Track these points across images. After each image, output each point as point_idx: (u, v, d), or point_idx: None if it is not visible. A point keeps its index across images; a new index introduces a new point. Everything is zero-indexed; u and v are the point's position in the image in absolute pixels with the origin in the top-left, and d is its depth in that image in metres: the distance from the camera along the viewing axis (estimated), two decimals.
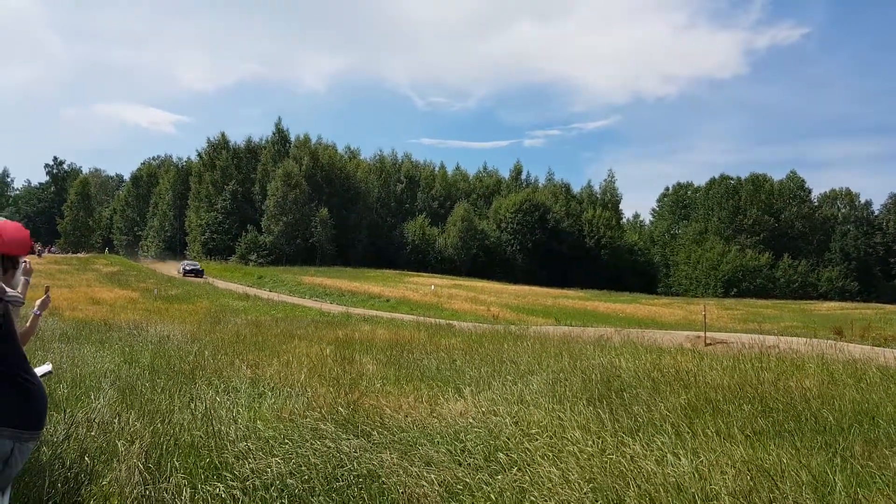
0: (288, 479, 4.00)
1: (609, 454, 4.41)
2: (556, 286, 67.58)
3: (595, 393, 6.59)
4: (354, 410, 5.74)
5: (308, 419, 5.40)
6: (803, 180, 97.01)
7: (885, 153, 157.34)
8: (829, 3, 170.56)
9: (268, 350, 10.62)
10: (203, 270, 56.90)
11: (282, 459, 4.29)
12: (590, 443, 4.67)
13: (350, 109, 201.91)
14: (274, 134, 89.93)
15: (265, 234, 77.65)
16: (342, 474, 4.13)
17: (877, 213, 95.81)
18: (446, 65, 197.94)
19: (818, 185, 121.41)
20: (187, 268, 56.15)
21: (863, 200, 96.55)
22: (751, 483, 3.78)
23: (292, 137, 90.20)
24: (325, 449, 4.53)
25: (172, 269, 61.41)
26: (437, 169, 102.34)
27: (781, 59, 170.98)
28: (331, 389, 6.79)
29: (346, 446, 4.60)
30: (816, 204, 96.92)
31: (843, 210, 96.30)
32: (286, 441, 4.72)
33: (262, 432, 4.95)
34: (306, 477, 4.06)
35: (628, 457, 4.32)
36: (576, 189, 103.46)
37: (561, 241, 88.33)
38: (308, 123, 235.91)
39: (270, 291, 44.23)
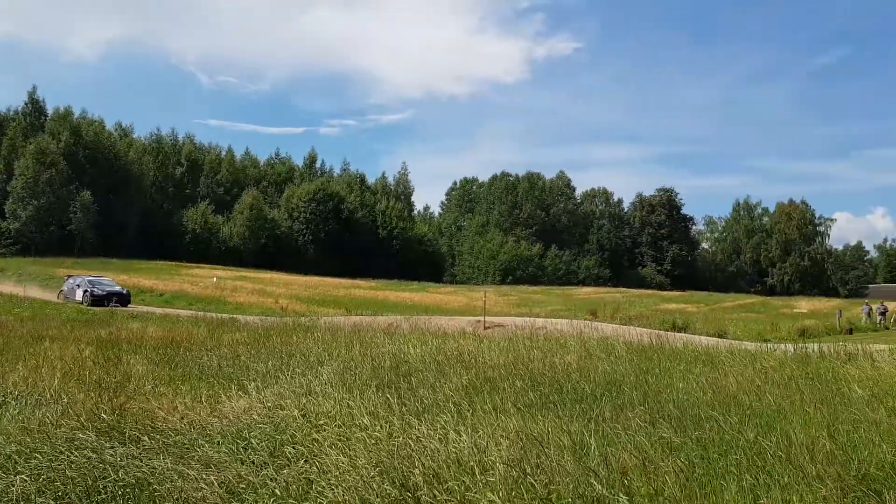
0: (37, 498, 3.52)
1: (396, 437, 4.58)
2: (349, 277, 67.64)
3: (385, 379, 6.77)
4: (120, 416, 5.25)
5: (63, 429, 4.83)
6: (570, 179, 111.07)
7: (635, 158, 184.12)
8: (599, 21, 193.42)
9: (10, 354, 9.27)
10: (129, 294, 31.28)
11: (28, 477, 3.79)
12: (378, 428, 4.79)
13: (125, 84, 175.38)
14: (26, 104, 76.58)
15: (9, 220, 66.44)
16: (105, 486, 3.72)
17: (626, 210, 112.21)
18: (239, 43, 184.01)
19: (581, 184, 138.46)
20: (98, 291, 29.20)
21: (616, 199, 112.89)
22: (522, 451, 4.19)
23: (50, 110, 77.70)
24: (85, 460, 4.09)
25: None
26: (223, 153, 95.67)
27: (557, 69, 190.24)
28: (91, 394, 6.09)
29: (111, 455, 4.18)
30: (580, 201, 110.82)
31: (601, 207, 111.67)
32: (35, 455, 4.20)
33: (2, 448, 4.28)
34: (60, 493, 3.61)
35: (414, 437, 4.52)
36: (371, 180, 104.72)
37: (354, 232, 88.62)
38: (74, 97, 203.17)
39: (15, 286, 37.89)
